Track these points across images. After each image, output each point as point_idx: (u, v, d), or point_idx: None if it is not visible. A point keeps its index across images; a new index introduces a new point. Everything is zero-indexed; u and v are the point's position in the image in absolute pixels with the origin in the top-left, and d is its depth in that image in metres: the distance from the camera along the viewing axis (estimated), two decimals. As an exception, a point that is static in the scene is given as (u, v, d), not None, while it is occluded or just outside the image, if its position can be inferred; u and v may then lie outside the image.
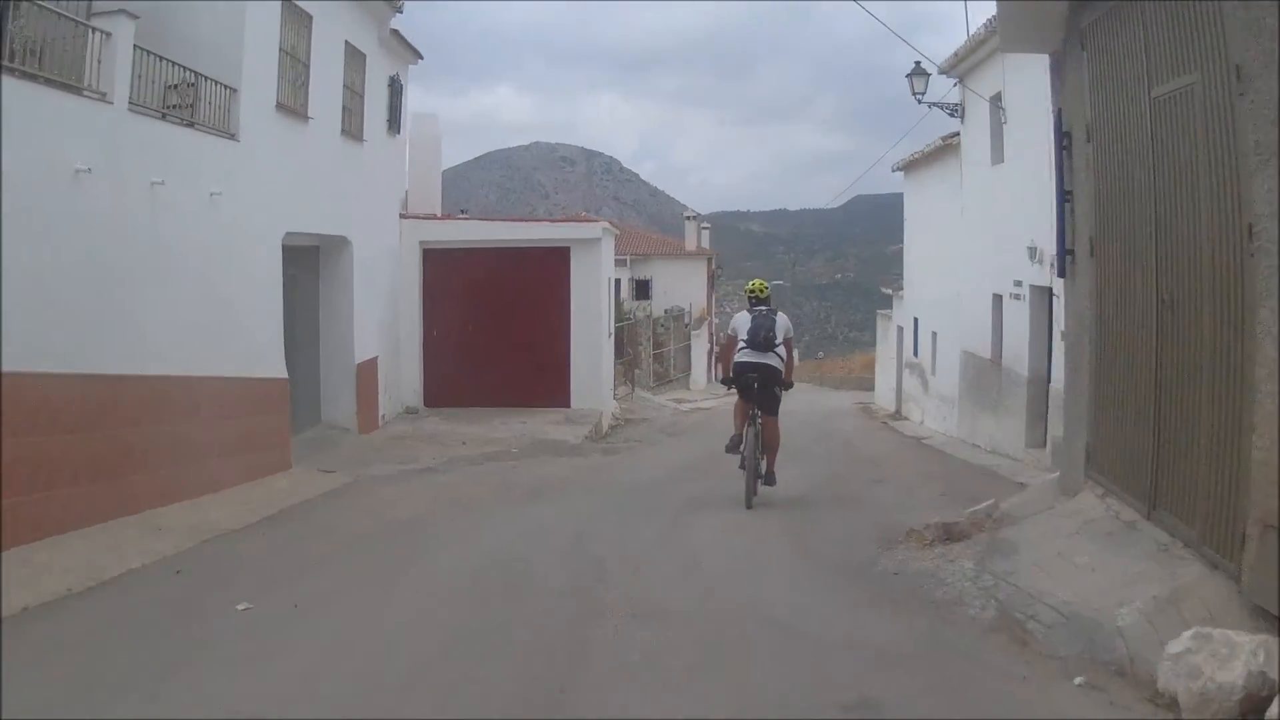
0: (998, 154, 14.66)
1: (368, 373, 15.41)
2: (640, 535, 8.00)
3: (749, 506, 8.60)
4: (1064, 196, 7.04)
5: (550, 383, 17.61)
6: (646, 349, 28.74)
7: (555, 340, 17.60)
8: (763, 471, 8.90)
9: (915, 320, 20.52)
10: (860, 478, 11.94)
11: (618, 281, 41.91)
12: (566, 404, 17.59)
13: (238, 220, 10.75)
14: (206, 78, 10.31)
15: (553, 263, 17.74)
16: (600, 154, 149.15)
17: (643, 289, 40.59)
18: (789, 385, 9.09)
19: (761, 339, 8.64)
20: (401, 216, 17.63)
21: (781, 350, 8.79)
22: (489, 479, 11.33)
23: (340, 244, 14.59)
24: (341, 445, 14.00)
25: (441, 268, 17.64)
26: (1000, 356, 14.47)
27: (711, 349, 42.18)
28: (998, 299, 14.72)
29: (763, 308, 8.95)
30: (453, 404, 17.33)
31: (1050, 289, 12.19)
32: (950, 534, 7.19)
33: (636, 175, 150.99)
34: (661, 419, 20.81)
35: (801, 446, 14.24)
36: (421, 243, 17.51)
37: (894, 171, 22.00)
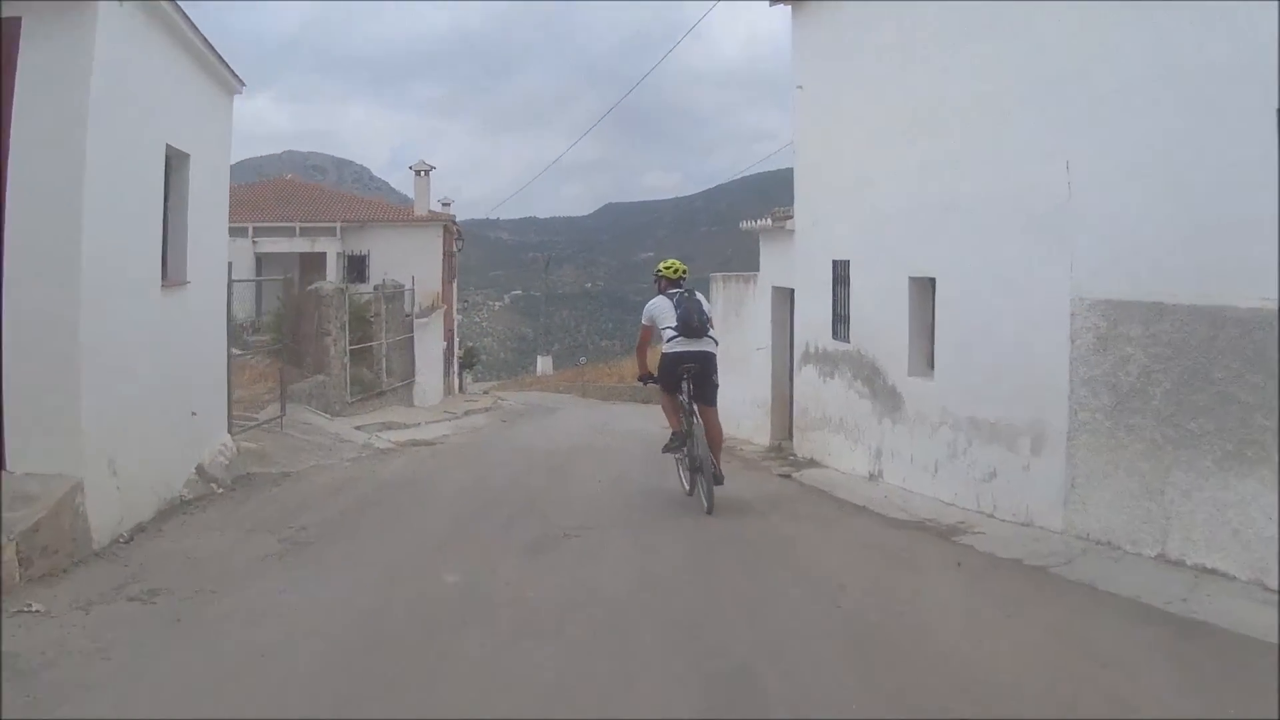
0: None
1: None
2: None
3: (709, 512, 7.04)
4: None
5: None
6: (338, 342, 16.83)
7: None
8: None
9: (837, 268, 10.09)
10: None
11: (322, 256, 29.41)
12: None
13: None
14: None
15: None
16: (352, 163, 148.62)
17: (357, 267, 28.26)
18: None
19: (696, 324, 7.39)
20: None
21: (715, 334, 7.59)
22: None
23: None
24: None
25: None
26: None
27: (452, 346, 30.35)
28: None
29: (678, 291, 7.65)
30: None
31: None
32: None
33: (387, 184, 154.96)
34: (322, 482, 9.06)
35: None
36: None
37: (773, 4, 11.55)
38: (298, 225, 27.97)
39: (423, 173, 29.34)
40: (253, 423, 11.11)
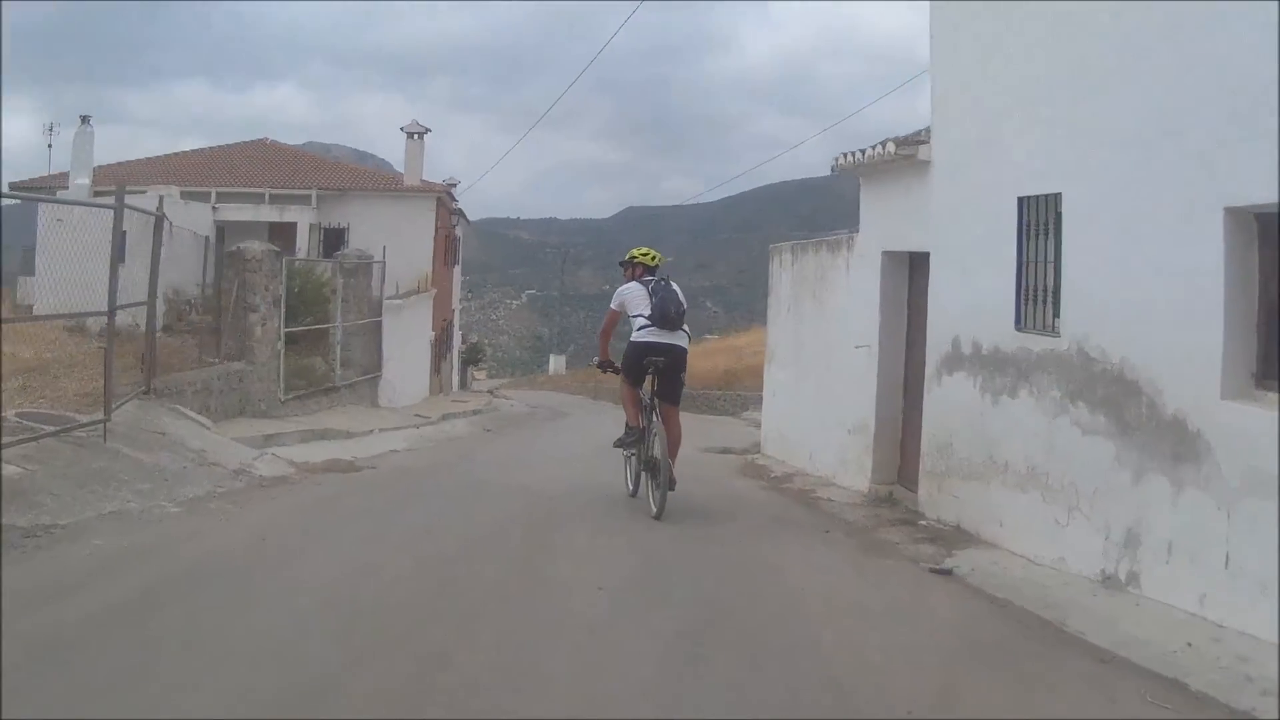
0: None
1: None
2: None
3: (658, 517, 6.43)
4: None
5: None
6: (268, 321, 12.63)
7: None
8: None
9: (1029, 209, 5.81)
10: None
11: (293, 227, 25.28)
12: None
13: None
14: None
15: None
16: (371, 155, 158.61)
17: (334, 241, 23.96)
18: None
19: (672, 315, 6.91)
20: None
21: (688, 328, 7.09)
22: None
23: None
24: None
25: None
26: None
27: (448, 338, 26.24)
28: None
29: (652, 279, 7.17)
30: None
31: None
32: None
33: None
34: (58, 573, 4.84)
35: None
36: None
37: None
38: (267, 191, 23.78)
39: (416, 135, 25.00)
40: (57, 428, 6.90)
